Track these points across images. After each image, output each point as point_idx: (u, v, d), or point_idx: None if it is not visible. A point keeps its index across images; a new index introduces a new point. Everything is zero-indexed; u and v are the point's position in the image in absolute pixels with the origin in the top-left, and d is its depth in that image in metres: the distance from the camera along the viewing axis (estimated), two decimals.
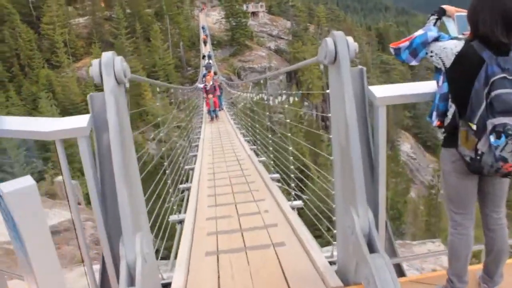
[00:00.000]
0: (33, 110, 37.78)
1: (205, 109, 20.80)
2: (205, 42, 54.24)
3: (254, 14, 68.76)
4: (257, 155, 10.50)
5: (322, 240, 7.96)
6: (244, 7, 64.13)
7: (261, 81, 15.82)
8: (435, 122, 2.56)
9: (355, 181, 2.43)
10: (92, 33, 53.01)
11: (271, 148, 7.93)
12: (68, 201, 2.67)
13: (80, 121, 2.60)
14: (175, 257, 4.32)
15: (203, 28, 56.98)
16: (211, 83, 19.03)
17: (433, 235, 28.81)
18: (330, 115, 2.85)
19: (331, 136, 2.91)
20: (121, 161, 2.33)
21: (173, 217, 5.77)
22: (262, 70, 57.13)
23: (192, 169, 9.38)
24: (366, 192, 2.50)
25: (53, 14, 50.55)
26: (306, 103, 59.84)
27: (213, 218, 5.44)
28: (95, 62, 2.43)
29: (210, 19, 64.63)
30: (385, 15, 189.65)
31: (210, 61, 37.09)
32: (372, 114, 2.80)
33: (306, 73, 59.20)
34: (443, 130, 2.54)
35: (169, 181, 5.58)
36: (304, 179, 5.93)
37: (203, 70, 33.94)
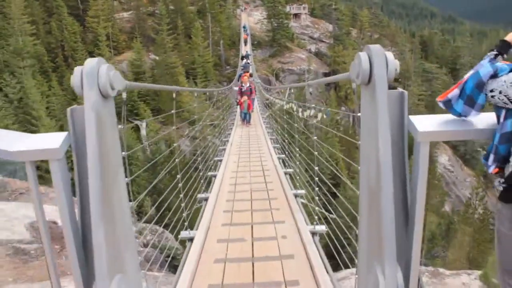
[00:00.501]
0: (72, 100, 38.56)
1: (238, 110, 20.26)
2: (245, 42, 54.08)
3: (296, 16, 68.32)
4: (285, 165, 9.98)
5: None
6: (287, 9, 63.73)
7: (290, 90, 15.36)
8: (492, 168, 1.94)
9: (384, 234, 1.85)
10: (135, 28, 53.86)
11: (297, 162, 7.51)
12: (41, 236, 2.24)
13: (54, 141, 2.14)
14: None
15: (244, 27, 56.88)
16: (247, 84, 18.20)
17: (470, 261, 27.41)
18: (359, 142, 2.23)
19: (359, 168, 2.28)
20: (99, 190, 1.85)
21: (184, 234, 5.38)
22: (301, 73, 56.63)
23: (215, 176, 8.87)
24: (397, 246, 1.95)
25: (98, 8, 51.62)
26: (343, 108, 59.00)
27: (224, 240, 5.10)
28: (77, 70, 1.92)
29: (252, 19, 64.61)
30: (431, 22, 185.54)
31: (248, 61, 36.78)
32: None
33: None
34: (502, 180, 1.93)
35: (181, 195, 5.13)
36: (331, 197, 5.37)
37: (239, 70, 33.40)
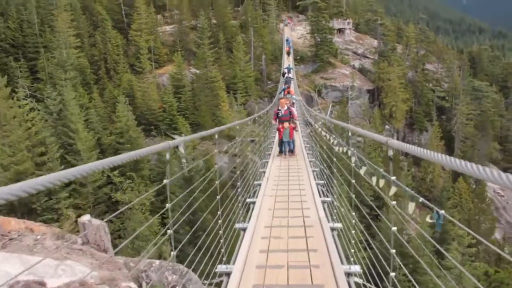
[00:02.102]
0: (112, 112, 38.46)
1: (276, 138, 16.62)
2: (288, 53, 52.96)
3: (340, 31, 66.82)
4: (323, 193, 9.23)
5: None
6: (331, 24, 62.27)
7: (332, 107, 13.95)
8: None
9: None
10: (176, 41, 53.83)
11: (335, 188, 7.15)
12: None
13: None
14: None
15: (287, 40, 55.78)
16: (285, 107, 14.81)
17: None
18: None
19: None
20: None
21: (221, 268, 5.31)
22: (344, 89, 55.02)
23: (244, 229, 7.14)
24: None
25: (141, 21, 51.95)
26: (387, 127, 56.93)
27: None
28: None
29: (295, 34, 63.51)
30: (479, 38, 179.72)
31: (290, 75, 35.42)
32: None
33: (390, 95, 56.25)
34: None
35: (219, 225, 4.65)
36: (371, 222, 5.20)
37: (281, 85, 31.66)
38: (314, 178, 10.56)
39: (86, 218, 5.52)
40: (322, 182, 10.11)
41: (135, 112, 41.14)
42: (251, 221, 7.21)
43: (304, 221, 7.23)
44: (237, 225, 7.05)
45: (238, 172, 7.77)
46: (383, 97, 57.04)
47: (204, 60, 47.41)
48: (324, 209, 7.94)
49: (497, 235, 47.62)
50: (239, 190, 7.65)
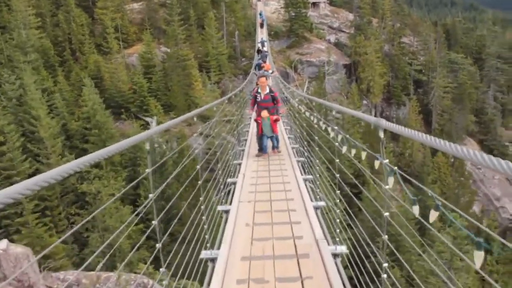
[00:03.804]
0: (79, 96, 36.25)
1: (251, 131, 13.65)
2: (261, 26, 50.99)
3: (314, 4, 65.08)
4: (305, 171, 8.98)
5: None
6: None
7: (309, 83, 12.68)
8: None
9: None
10: (145, 19, 51.28)
11: (317, 167, 7.08)
12: None
13: None
14: None
15: (260, 14, 53.77)
16: (267, 90, 10.91)
17: None
18: None
19: None
20: None
21: (205, 253, 5.34)
22: (320, 64, 53.59)
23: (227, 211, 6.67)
24: None
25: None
26: (364, 102, 55.95)
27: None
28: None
29: (268, 9, 61.44)
30: (451, 11, 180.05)
31: (265, 48, 33.19)
32: None
33: (367, 69, 55.14)
34: None
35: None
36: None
37: (256, 60, 28.67)
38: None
39: (1, 246, 4.00)
40: (302, 159, 9.65)
41: (103, 94, 39.03)
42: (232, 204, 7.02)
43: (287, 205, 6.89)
44: (219, 208, 6.90)
45: (218, 153, 7.59)
46: (360, 72, 55.95)
47: (175, 38, 45.16)
48: (307, 188, 7.70)
49: (476, 208, 47.65)
50: (219, 172, 7.33)
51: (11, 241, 23.05)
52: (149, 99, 39.46)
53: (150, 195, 3.53)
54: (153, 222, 3.49)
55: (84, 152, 27.69)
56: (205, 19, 50.08)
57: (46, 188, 26.57)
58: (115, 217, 21.89)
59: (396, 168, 3.09)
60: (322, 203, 6.73)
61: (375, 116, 52.55)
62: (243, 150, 11.71)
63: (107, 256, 3.92)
